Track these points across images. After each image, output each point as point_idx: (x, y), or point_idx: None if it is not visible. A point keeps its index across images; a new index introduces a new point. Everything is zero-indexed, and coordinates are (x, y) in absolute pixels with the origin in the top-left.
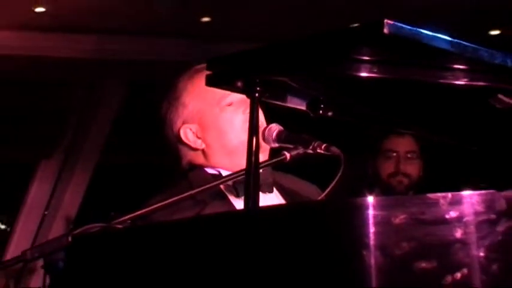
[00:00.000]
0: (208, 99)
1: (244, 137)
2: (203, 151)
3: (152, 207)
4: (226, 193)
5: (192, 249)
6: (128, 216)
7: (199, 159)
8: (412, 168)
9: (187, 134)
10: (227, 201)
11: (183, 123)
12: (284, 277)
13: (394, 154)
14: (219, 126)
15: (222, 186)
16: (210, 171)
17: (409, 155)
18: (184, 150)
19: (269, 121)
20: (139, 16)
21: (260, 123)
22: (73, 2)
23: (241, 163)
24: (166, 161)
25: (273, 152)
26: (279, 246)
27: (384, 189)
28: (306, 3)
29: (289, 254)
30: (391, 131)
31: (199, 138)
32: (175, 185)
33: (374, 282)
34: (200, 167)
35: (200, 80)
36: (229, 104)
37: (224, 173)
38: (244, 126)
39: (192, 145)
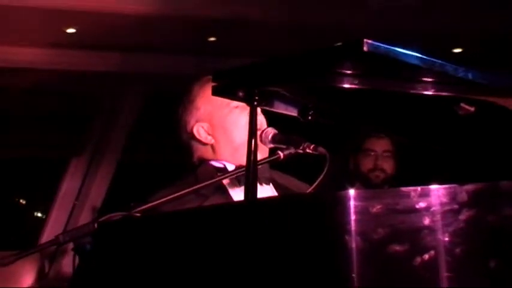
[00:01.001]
0: (217, 103)
1: (247, 136)
2: (212, 146)
3: (164, 199)
4: (227, 187)
5: (201, 234)
6: (145, 206)
7: (208, 153)
8: (388, 165)
9: (200, 131)
10: (227, 195)
11: (196, 122)
12: (277, 257)
13: (373, 153)
14: (226, 125)
15: (225, 180)
16: (215, 164)
17: (385, 154)
18: (196, 145)
19: (268, 124)
20: (155, 36)
21: (260, 124)
22: (98, 25)
23: (243, 157)
24: (177, 160)
25: (270, 152)
26: (273, 231)
27: (363, 181)
28: (298, 24)
29: (282, 238)
30: (371, 133)
31: (209, 134)
32: (184, 179)
33: (355, 263)
34: (207, 161)
35: (210, 87)
36: (236, 107)
37: (228, 165)
38: (247, 126)
39: (203, 140)
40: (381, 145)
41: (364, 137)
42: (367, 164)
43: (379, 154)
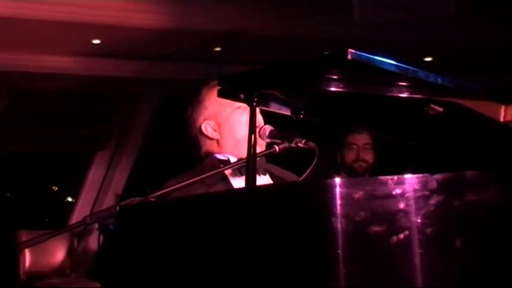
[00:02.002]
0: (223, 103)
1: (247, 132)
2: (217, 141)
3: (175, 186)
4: (229, 176)
5: (207, 216)
6: (159, 192)
7: (213, 147)
8: (369, 156)
9: (207, 127)
10: (228, 184)
11: (204, 119)
12: (273, 236)
13: (355, 146)
14: (230, 123)
15: (227, 171)
16: (220, 157)
17: (366, 147)
18: (203, 140)
19: (265, 122)
20: (168, 47)
21: (258, 122)
22: (120, 37)
23: (244, 151)
24: (187, 153)
25: (267, 146)
26: (271, 213)
27: (348, 171)
28: (292, 36)
29: (278, 219)
30: (353, 129)
31: (215, 131)
32: (192, 169)
33: (340, 241)
34: (212, 154)
35: (217, 90)
36: (238, 107)
37: (231, 158)
38: (247, 123)
39: (210, 135)
40: (361, 139)
41: (347, 133)
42: (351, 156)
43: (361, 147)
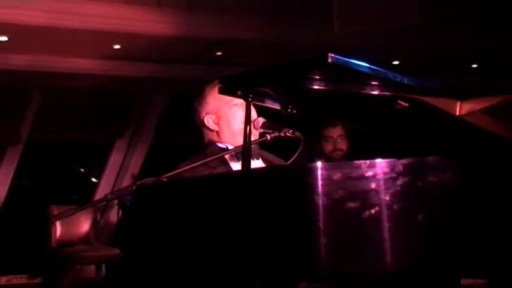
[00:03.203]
0: (222, 100)
1: (243, 125)
2: (217, 132)
3: (183, 169)
4: (229, 160)
5: (211, 193)
6: (170, 174)
7: (214, 137)
8: (344, 146)
9: (208, 120)
10: (228, 167)
11: (206, 113)
12: (265, 210)
13: (331, 138)
14: (228, 117)
15: (227, 156)
16: (220, 145)
17: (340, 138)
18: (205, 131)
19: (259, 115)
20: (176, 51)
21: (252, 116)
22: (137, 42)
23: (240, 140)
24: (191, 141)
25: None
26: (263, 191)
27: (327, 160)
28: (283, 42)
29: (269, 196)
30: (328, 123)
31: (215, 123)
32: (197, 155)
33: (321, 215)
34: (214, 143)
35: (218, 88)
36: (235, 104)
37: (230, 146)
38: (243, 118)
39: (211, 127)
40: (336, 132)
41: (324, 127)
42: (328, 147)
43: (336, 139)
